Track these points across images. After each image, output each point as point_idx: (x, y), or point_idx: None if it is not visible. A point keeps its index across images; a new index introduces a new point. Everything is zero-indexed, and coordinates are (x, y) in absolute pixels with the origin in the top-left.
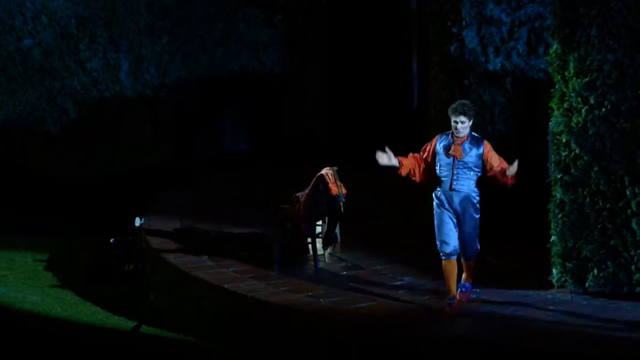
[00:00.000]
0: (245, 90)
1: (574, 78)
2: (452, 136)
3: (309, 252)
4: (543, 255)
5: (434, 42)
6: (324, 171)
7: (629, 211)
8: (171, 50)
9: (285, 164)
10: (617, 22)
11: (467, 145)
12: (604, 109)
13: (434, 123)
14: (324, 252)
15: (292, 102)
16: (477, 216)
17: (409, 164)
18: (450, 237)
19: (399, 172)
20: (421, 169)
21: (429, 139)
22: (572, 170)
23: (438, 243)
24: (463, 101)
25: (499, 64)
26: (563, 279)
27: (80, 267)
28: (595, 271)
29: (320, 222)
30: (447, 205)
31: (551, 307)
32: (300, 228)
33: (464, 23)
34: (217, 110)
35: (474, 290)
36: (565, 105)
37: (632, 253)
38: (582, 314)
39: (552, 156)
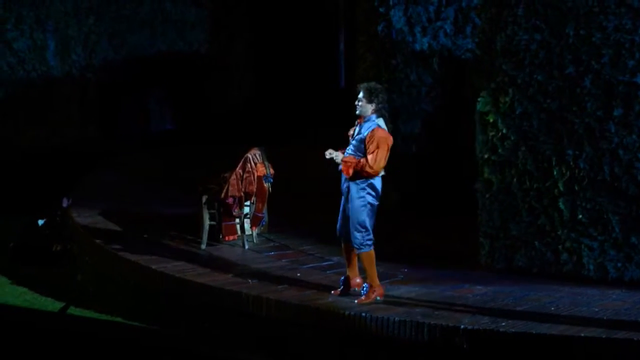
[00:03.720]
0: (172, 69)
1: (501, 58)
2: None
3: (237, 233)
4: (472, 234)
5: (362, 22)
6: (251, 151)
7: (555, 191)
8: (98, 30)
9: (213, 143)
10: (544, 2)
11: (357, 128)
12: (531, 89)
13: None
14: (252, 232)
15: (218, 82)
16: (361, 204)
17: None
18: (338, 220)
19: None
20: None
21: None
22: (500, 150)
23: None
24: (373, 83)
25: (426, 44)
26: (491, 259)
27: (7, 247)
28: (523, 251)
29: (248, 203)
30: (341, 186)
31: (479, 287)
32: (228, 208)
33: (391, 2)
34: (144, 90)
35: (402, 269)
36: (493, 85)
37: (559, 233)
38: (510, 293)
39: (480, 136)
